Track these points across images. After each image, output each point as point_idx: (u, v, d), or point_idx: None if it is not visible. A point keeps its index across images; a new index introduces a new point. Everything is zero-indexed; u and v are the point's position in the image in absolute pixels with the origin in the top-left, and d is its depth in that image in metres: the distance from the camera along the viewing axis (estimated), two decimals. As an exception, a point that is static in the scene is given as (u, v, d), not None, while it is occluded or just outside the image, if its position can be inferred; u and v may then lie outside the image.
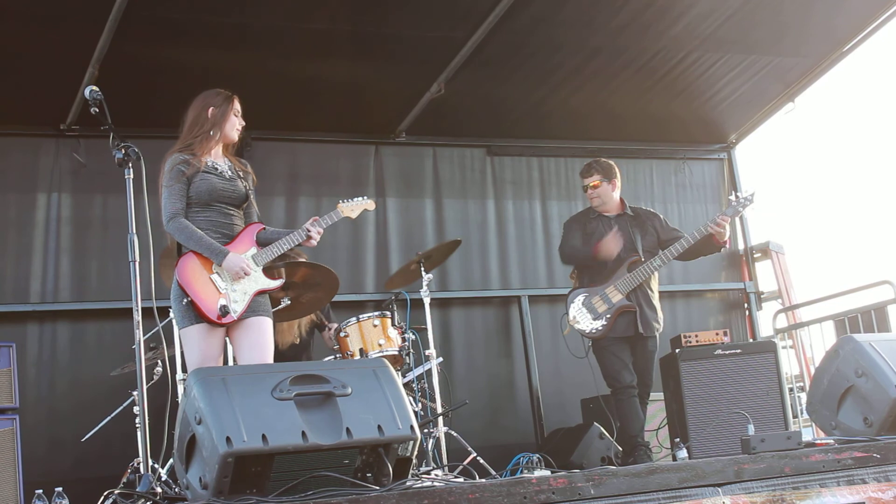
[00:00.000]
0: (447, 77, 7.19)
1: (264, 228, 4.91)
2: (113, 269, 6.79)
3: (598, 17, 6.91)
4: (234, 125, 4.90)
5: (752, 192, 6.23)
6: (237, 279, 4.68)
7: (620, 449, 6.37)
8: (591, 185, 6.31)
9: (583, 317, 6.13)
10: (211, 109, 4.84)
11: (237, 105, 4.93)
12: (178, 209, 4.66)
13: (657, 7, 6.91)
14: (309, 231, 4.89)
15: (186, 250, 4.69)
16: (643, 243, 6.22)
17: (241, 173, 4.91)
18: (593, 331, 6.11)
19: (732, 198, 6.25)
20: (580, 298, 6.16)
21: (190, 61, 6.44)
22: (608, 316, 6.07)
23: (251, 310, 4.72)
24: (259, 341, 4.71)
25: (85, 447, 5.91)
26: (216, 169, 4.81)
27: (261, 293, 4.78)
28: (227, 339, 4.82)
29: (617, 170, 6.38)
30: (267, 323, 4.78)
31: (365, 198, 5.26)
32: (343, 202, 5.18)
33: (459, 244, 6.87)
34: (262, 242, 4.85)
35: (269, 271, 4.83)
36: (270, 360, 4.73)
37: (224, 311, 4.62)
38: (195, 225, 4.72)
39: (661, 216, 6.46)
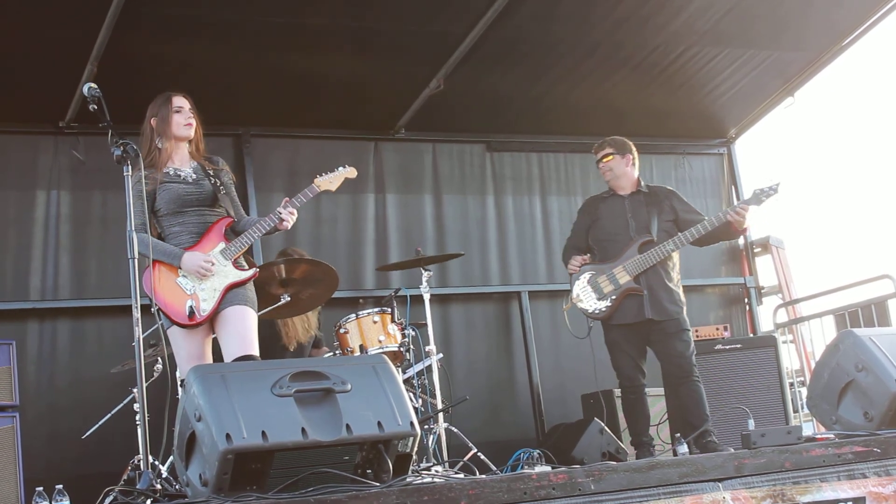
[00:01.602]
0: (446, 73, 7.18)
1: (234, 221, 4.83)
2: (112, 266, 6.78)
3: (596, 11, 6.91)
4: (181, 123, 4.81)
5: (776, 181, 5.80)
6: (202, 278, 4.66)
7: (621, 444, 6.36)
8: (604, 158, 6.00)
9: (587, 296, 5.86)
10: (152, 121, 4.83)
11: (177, 102, 4.83)
12: (136, 226, 4.52)
13: (656, 1, 6.90)
14: (280, 213, 4.75)
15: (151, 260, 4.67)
16: (659, 223, 5.88)
17: (211, 172, 4.86)
18: (596, 311, 5.82)
19: (757, 187, 5.84)
20: (586, 276, 5.88)
21: (189, 58, 6.44)
22: (613, 297, 5.77)
23: (227, 302, 4.68)
24: (236, 329, 4.64)
25: (85, 444, 5.90)
26: (178, 176, 4.79)
27: (233, 286, 4.71)
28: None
29: (632, 146, 6.06)
30: (245, 311, 4.70)
31: (346, 166, 5.03)
32: (320, 176, 4.96)
33: (461, 256, 6.82)
34: (236, 235, 4.80)
35: (239, 263, 4.76)
36: (252, 348, 4.64)
37: (191, 312, 4.62)
38: (170, 232, 4.75)
39: (680, 194, 6.14)
